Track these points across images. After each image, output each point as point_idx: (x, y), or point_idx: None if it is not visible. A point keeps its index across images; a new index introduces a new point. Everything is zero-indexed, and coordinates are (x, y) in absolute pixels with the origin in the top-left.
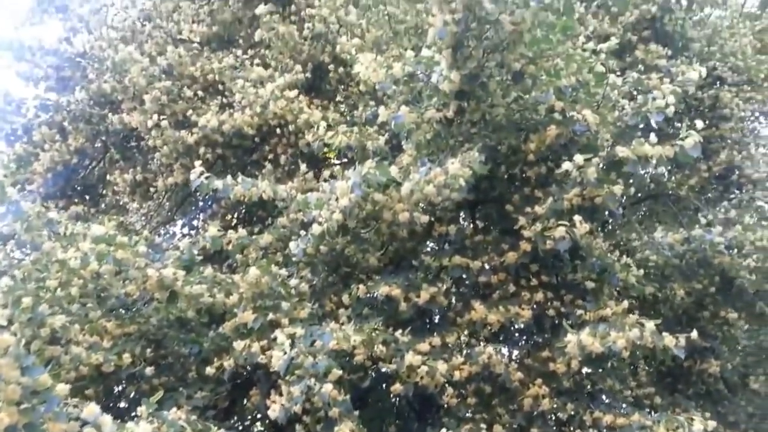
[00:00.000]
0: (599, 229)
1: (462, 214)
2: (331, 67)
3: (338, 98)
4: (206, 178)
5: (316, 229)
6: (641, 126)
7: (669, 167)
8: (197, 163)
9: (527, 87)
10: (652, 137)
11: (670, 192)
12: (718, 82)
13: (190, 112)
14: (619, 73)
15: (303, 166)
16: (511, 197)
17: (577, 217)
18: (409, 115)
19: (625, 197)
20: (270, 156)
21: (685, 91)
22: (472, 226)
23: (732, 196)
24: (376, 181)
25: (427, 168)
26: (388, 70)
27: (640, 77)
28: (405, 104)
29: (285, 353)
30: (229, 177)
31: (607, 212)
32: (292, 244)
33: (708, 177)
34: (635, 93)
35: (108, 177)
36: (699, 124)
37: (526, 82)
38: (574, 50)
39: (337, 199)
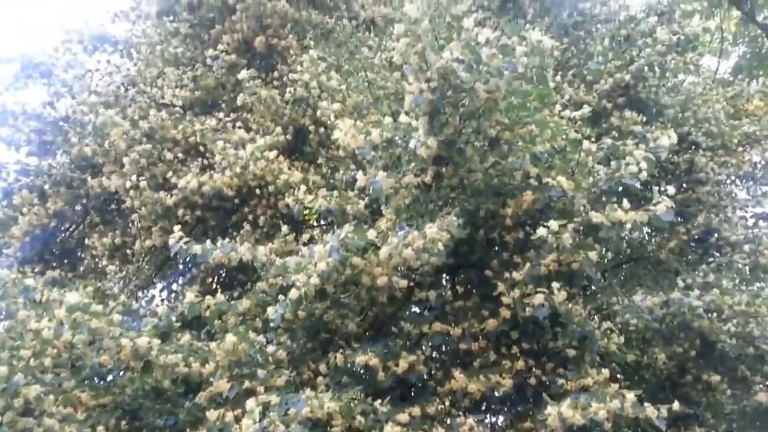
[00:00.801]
0: (580, 292)
1: (442, 278)
2: (311, 129)
3: (319, 161)
4: (185, 242)
5: (293, 294)
6: (617, 191)
7: (648, 230)
8: (176, 228)
9: (504, 153)
10: (625, 203)
11: (650, 255)
12: (693, 147)
13: (170, 174)
14: (594, 140)
15: (283, 228)
16: (490, 262)
17: (555, 284)
18: (387, 180)
19: (605, 260)
20: (250, 218)
21: (658, 156)
22: (452, 291)
23: (711, 259)
24: (355, 245)
25: (405, 232)
26: (366, 135)
27: (614, 143)
28: (384, 169)
29: (255, 422)
30: (208, 242)
31: (585, 277)
32: (270, 310)
33: (687, 240)
34: (610, 158)
35: (86, 241)
36: (671, 189)
37: (503, 148)
38: (551, 117)
39: (315, 264)
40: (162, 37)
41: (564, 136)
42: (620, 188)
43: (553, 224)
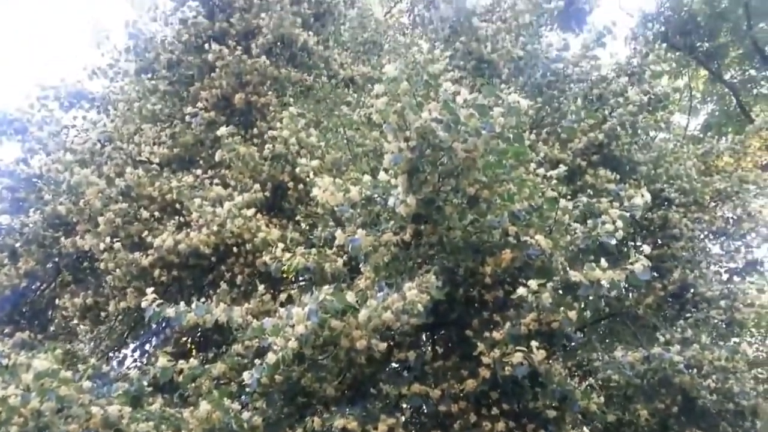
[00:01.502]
0: (561, 348)
1: (421, 337)
2: (290, 185)
3: (297, 218)
4: (158, 305)
5: (271, 358)
6: (594, 249)
7: (625, 286)
8: (149, 290)
9: (482, 211)
10: (603, 262)
11: (628, 311)
12: (666, 203)
13: (145, 233)
14: (570, 197)
15: (260, 288)
16: (470, 321)
17: (534, 343)
18: (365, 238)
19: (583, 318)
20: (227, 276)
21: (632, 214)
22: (431, 351)
23: (688, 315)
24: (333, 307)
25: (384, 293)
26: (345, 193)
27: (590, 201)
28: (362, 227)
29: None
30: (182, 304)
31: (564, 336)
32: (246, 375)
33: (664, 295)
34: (586, 216)
35: (57, 301)
36: (646, 248)
37: (481, 206)
38: (527, 175)
39: (293, 326)
40: (140, 94)
41: (541, 194)
42: (597, 246)
43: (533, 283)
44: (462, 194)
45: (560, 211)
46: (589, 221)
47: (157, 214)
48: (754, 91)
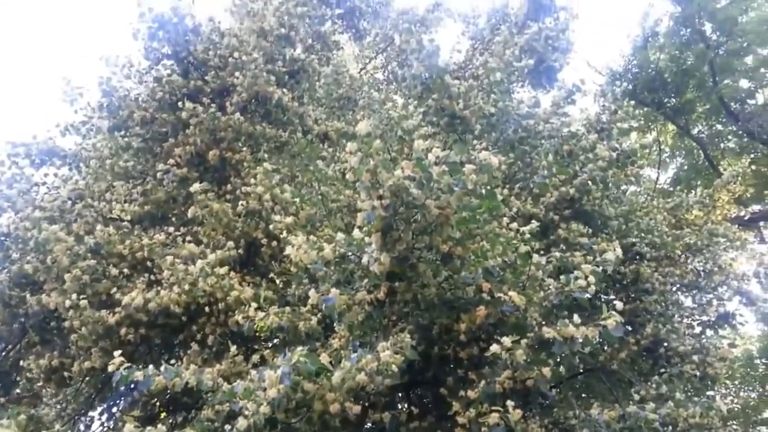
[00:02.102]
0: (537, 406)
1: (396, 397)
2: (264, 242)
3: (271, 275)
4: (126, 368)
5: (242, 424)
6: (567, 304)
7: (599, 341)
8: (117, 352)
9: (456, 267)
10: (576, 318)
11: (603, 366)
12: (638, 258)
13: (114, 290)
14: (543, 252)
15: (232, 348)
16: (445, 379)
17: (510, 403)
18: (340, 297)
19: (560, 372)
20: (197, 336)
21: (605, 269)
22: (407, 411)
23: (662, 370)
24: (306, 369)
25: (358, 355)
26: (319, 251)
27: (563, 256)
28: (336, 285)
29: None
30: (150, 367)
31: (540, 394)
32: None
33: (637, 350)
34: (560, 271)
35: (22, 362)
36: (618, 304)
37: (455, 263)
38: (500, 230)
39: (264, 390)
40: (113, 151)
41: (514, 250)
42: (571, 301)
43: (507, 340)
44: (436, 251)
45: (533, 266)
46: (562, 277)
47: (126, 271)
48: (722, 145)
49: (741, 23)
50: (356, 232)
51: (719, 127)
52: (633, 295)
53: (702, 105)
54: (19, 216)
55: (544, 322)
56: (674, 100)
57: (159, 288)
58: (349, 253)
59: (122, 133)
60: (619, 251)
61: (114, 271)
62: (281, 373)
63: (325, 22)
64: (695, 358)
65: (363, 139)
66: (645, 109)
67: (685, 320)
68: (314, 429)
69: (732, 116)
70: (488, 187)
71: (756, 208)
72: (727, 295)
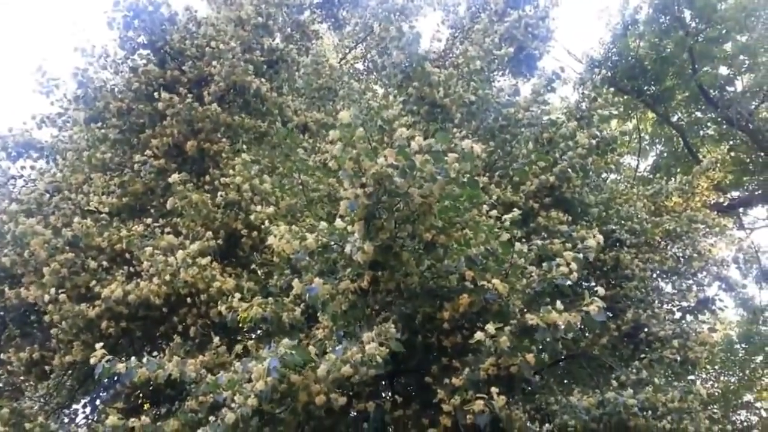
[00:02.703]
0: (520, 392)
1: (381, 385)
2: (244, 233)
3: (252, 266)
4: (107, 360)
5: (230, 417)
6: (549, 291)
7: (581, 327)
8: (98, 345)
9: (439, 256)
10: (559, 304)
11: (585, 352)
12: (618, 244)
13: (93, 283)
14: (524, 240)
15: (215, 339)
16: (429, 367)
17: (494, 389)
18: (323, 287)
19: (542, 360)
20: (179, 328)
21: (585, 257)
22: (391, 400)
23: (642, 354)
24: (293, 361)
25: (343, 347)
26: (301, 241)
27: (544, 244)
28: (319, 275)
29: None
30: (132, 359)
31: (523, 380)
32: None
33: (618, 335)
34: (542, 259)
35: (2, 356)
36: (600, 290)
37: (438, 252)
38: (480, 218)
39: (250, 381)
40: (89, 143)
41: (496, 238)
42: (553, 288)
43: (490, 327)
44: (419, 240)
45: (516, 254)
46: (545, 264)
47: (105, 264)
48: (701, 132)
49: (720, 10)
50: (339, 222)
51: (699, 114)
52: (613, 282)
53: (681, 92)
54: None
55: (526, 310)
56: (654, 88)
57: (139, 280)
58: (332, 243)
59: (99, 124)
60: (600, 238)
61: (93, 264)
62: (268, 366)
63: (304, 11)
64: (675, 342)
65: (345, 128)
66: (625, 96)
67: (665, 306)
68: (299, 420)
69: (711, 103)
70: (470, 176)
71: (735, 194)
72: (707, 281)
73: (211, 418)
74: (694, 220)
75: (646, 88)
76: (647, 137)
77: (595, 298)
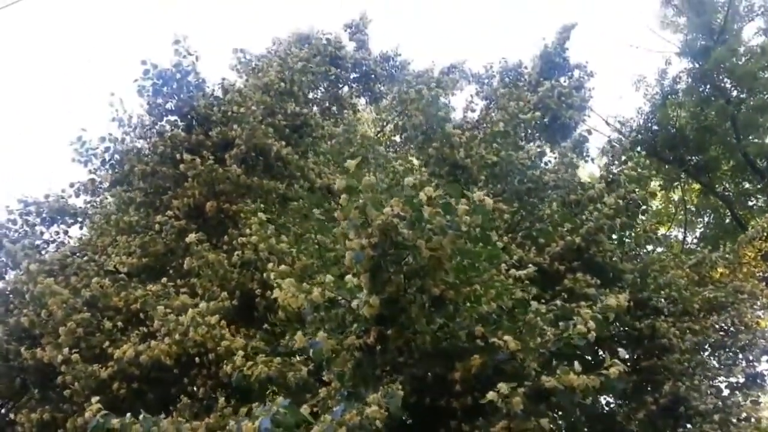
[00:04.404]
0: None
1: None
2: (258, 292)
3: (265, 326)
4: (103, 416)
5: None
6: (568, 354)
7: (618, 401)
8: (94, 399)
9: (450, 313)
10: (576, 366)
11: (621, 426)
12: (655, 313)
13: (107, 344)
14: (545, 301)
15: (221, 401)
16: (437, 431)
17: None
18: (327, 341)
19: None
20: (189, 389)
21: (606, 317)
22: None
23: (681, 429)
24: (287, 422)
25: (341, 408)
26: (307, 295)
27: (564, 305)
28: (326, 331)
29: None
30: (128, 415)
31: None
32: None
33: (656, 409)
34: (559, 320)
35: (13, 416)
36: (623, 352)
37: (448, 308)
38: (497, 277)
39: None
40: (117, 206)
41: (511, 296)
42: (572, 353)
43: (503, 387)
44: (427, 295)
45: (532, 313)
46: (561, 323)
47: (120, 324)
48: (750, 203)
49: (761, 77)
50: (348, 277)
51: (746, 185)
52: (650, 353)
53: (726, 162)
54: (22, 271)
55: (542, 372)
56: (697, 158)
57: (151, 341)
58: (339, 298)
59: (124, 187)
60: (624, 297)
61: (108, 325)
62: (259, 425)
63: (341, 86)
64: (716, 417)
65: (351, 177)
66: (666, 166)
67: (710, 381)
68: None
69: (758, 173)
70: (482, 230)
71: None
72: (755, 355)
73: None
74: (740, 291)
75: (689, 158)
76: (693, 208)
77: (616, 361)
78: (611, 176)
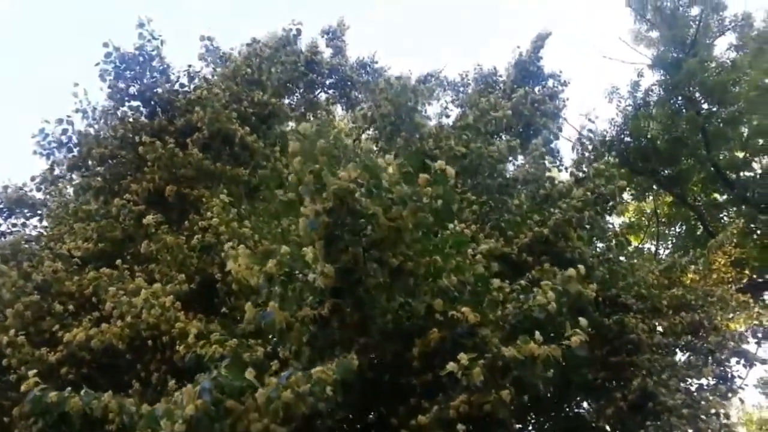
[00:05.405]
0: None
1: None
2: (218, 277)
3: (223, 309)
4: (40, 389)
5: None
6: (529, 328)
7: (587, 399)
8: (31, 372)
9: (409, 287)
10: (538, 335)
11: (592, 425)
12: (623, 309)
13: (57, 328)
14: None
15: (171, 383)
16: (396, 409)
17: (461, 426)
18: (279, 313)
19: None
20: (142, 375)
21: (567, 291)
22: None
23: (649, 424)
24: (230, 385)
25: (288, 373)
26: (261, 267)
27: (527, 284)
28: (281, 304)
29: None
30: (68, 389)
31: (500, 423)
32: None
33: (624, 406)
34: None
35: None
36: (583, 321)
37: (407, 281)
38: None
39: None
40: (75, 193)
41: (473, 272)
42: (534, 327)
43: (463, 357)
44: (386, 267)
45: (495, 291)
46: (521, 296)
47: (72, 309)
48: (720, 215)
49: (732, 91)
50: (305, 249)
51: (716, 196)
52: (617, 349)
53: (697, 174)
54: None
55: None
56: (668, 170)
57: (103, 324)
58: (297, 272)
59: (82, 171)
60: (582, 268)
61: (59, 308)
62: (200, 388)
63: (316, 91)
64: (684, 411)
65: (305, 141)
66: (639, 177)
67: (680, 383)
68: None
69: (728, 185)
70: (445, 202)
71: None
72: (725, 356)
73: None
74: (710, 295)
75: (660, 169)
76: (665, 219)
77: (577, 330)
78: (581, 174)
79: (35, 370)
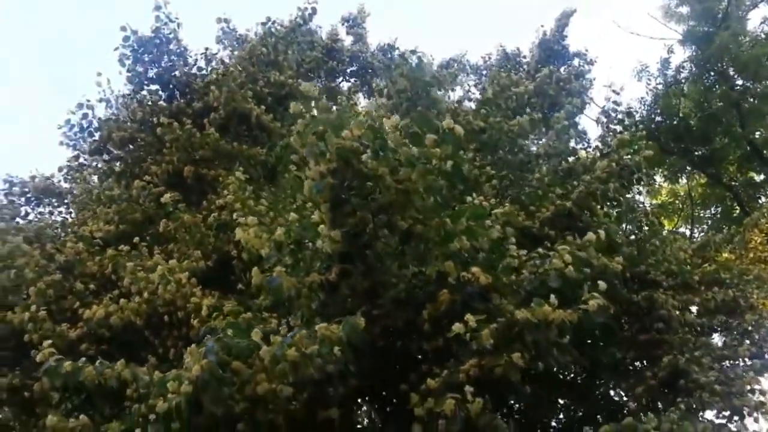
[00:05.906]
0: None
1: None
2: (234, 254)
3: (240, 286)
4: (56, 359)
5: (161, 406)
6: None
7: (617, 380)
8: (46, 342)
9: (420, 252)
10: (553, 299)
11: (622, 409)
12: (653, 285)
13: (77, 305)
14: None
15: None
16: (407, 375)
17: (468, 389)
18: (287, 278)
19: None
20: (160, 351)
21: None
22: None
23: (680, 400)
24: (235, 346)
25: (293, 333)
26: (270, 235)
27: (546, 252)
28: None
29: None
30: (82, 359)
31: (512, 389)
32: None
33: (654, 384)
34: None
35: None
36: (602, 284)
37: (418, 246)
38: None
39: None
40: (98, 179)
41: (487, 237)
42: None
43: (471, 319)
44: (396, 231)
45: (510, 257)
46: (537, 261)
47: (93, 287)
48: (757, 195)
49: (766, 64)
50: (314, 217)
51: (753, 175)
52: (648, 326)
53: (733, 152)
54: None
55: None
56: (702, 149)
57: (122, 300)
58: (306, 240)
59: (103, 156)
60: (602, 233)
61: (80, 287)
62: (206, 349)
63: (339, 78)
64: (717, 388)
65: (308, 101)
66: (671, 158)
67: (715, 363)
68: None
69: (765, 163)
70: (455, 164)
71: None
72: (761, 335)
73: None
74: (746, 274)
75: (694, 149)
76: (699, 201)
77: (595, 294)
78: (607, 148)
79: (52, 342)
